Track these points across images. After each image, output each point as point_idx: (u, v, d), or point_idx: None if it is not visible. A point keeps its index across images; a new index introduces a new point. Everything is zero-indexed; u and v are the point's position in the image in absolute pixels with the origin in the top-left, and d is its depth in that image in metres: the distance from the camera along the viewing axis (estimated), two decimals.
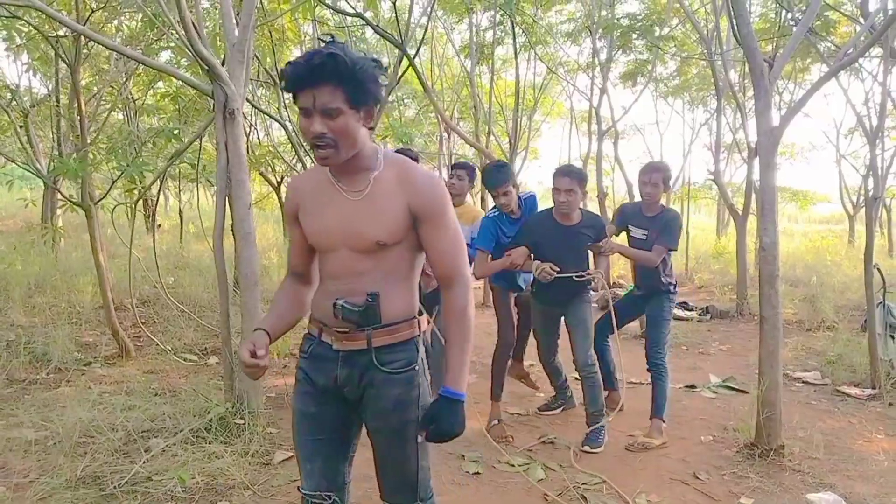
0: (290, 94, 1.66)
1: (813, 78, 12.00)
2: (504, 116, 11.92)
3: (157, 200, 5.97)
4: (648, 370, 4.04)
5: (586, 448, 3.78)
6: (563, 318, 4.01)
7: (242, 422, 3.68)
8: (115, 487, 3.08)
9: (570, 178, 3.67)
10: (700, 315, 7.72)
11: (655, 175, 3.99)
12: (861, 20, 5.08)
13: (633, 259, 4.11)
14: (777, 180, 3.83)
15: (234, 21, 3.92)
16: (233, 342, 4.04)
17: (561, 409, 4.44)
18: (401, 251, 1.78)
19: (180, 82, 8.81)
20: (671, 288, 4.09)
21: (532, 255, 3.82)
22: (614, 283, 9.02)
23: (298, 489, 1.94)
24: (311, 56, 1.61)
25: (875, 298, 5.02)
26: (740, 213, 8.26)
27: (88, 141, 5.82)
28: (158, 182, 5.21)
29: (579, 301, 3.88)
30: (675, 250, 4.07)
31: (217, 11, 6.54)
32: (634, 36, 9.99)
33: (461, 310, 1.80)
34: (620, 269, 9.92)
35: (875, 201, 5.02)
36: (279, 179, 11.02)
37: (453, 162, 5.11)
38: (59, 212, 9.34)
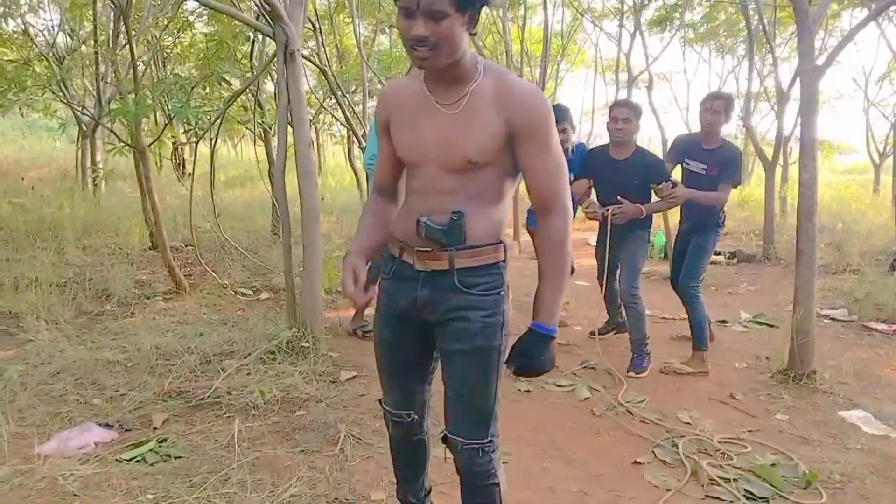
0: None
1: (843, 24, 11.91)
2: (530, 66, 11.92)
3: (215, 144, 6.13)
4: (680, 297, 4.16)
5: (631, 373, 4.01)
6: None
7: (308, 345, 3.94)
8: (200, 400, 3.37)
9: (627, 108, 3.93)
10: (728, 259, 7.88)
11: (718, 102, 3.99)
12: None
13: (704, 202, 4.01)
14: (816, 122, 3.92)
15: None
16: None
17: (614, 332, 4.67)
18: (491, 172, 1.68)
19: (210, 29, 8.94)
20: (720, 222, 4.15)
21: (592, 188, 4.21)
22: None
23: (380, 402, 2.01)
24: None
25: None
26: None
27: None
28: (217, 124, 5.36)
29: (632, 237, 4.01)
30: (741, 185, 4.09)
31: None
32: None
33: (559, 241, 1.70)
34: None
35: None
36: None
37: None
38: (103, 156, 9.59)
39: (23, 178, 9.73)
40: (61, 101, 6.51)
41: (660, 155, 4.71)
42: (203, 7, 8.37)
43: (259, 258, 6.74)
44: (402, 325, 1.84)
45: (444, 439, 1.85)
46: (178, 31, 9.84)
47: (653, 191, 4.00)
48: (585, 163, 4.21)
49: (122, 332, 4.43)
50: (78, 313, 4.90)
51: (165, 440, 2.89)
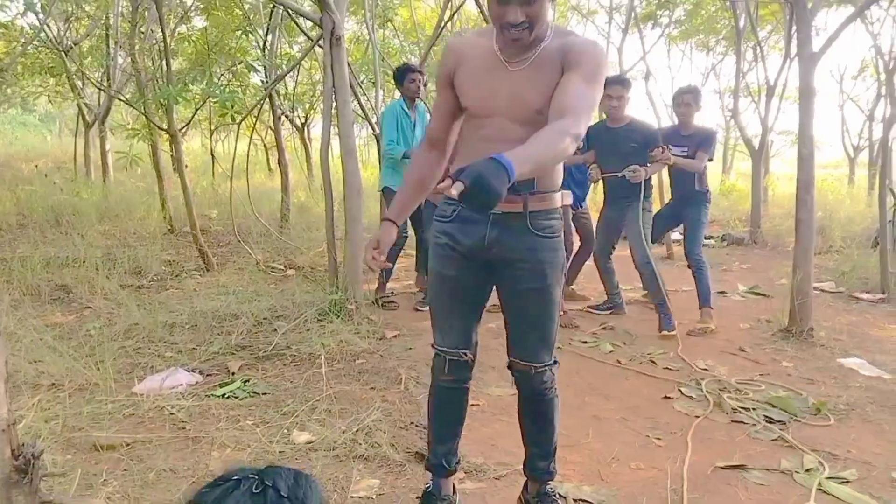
0: None
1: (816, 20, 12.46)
2: None
3: (253, 129, 6.41)
4: (689, 266, 4.63)
5: (664, 332, 4.34)
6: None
7: (352, 307, 4.26)
8: (264, 353, 3.68)
9: (620, 85, 4.44)
10: (718, 242, 8.34)
11: (687, 96, 4.69)
12: None
13: (684, 167, 4.59)
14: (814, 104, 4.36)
15: None
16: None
17: (609, 311, 5.01)
18: None
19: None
20: (707, 196, 4.72)
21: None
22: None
23: (433, 346, 2.07)
24: None
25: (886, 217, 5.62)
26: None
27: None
28: (258, 109, 5.65)
29: (633, 211, 4.43)
30: (712, 160, 4.65)
31: None
32: None
33: (560, 131, 1.60)
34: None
35: (892, 125, 5.57)
36: (303, 120, 11.49)
37: None
38: (112, 145, 9.77)
39: (36, 166, 9.88)
40: (95, 85, 6.65)
41: None
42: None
43: (269, 242, 7.02)
44: (466, 263, 1.95)
45: (511, 366, 2.06)
46: (176, 24, 10.11)
47: (648, 156, 4.41)
48: (588, 136, 4.57)
49: (168, 301, 4.71)
50: (119, 287, 5.16)
51: (248, 380, 3.21)
